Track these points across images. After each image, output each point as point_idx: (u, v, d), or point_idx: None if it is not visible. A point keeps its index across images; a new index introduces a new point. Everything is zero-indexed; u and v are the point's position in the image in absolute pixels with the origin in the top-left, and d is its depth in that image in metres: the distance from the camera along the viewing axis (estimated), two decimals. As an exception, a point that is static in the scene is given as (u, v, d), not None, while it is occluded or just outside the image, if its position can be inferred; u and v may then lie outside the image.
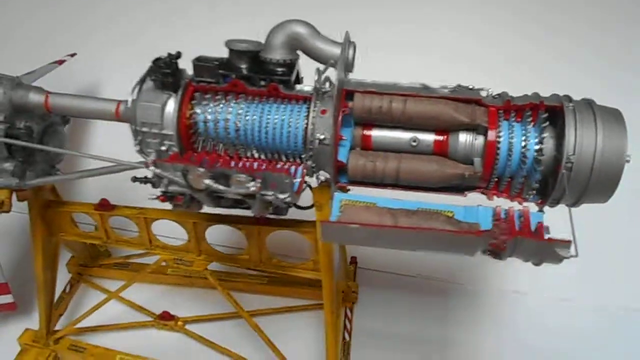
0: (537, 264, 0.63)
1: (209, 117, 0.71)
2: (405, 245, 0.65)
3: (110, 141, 0.90)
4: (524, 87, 0.72)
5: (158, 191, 0.72)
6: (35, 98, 0.77)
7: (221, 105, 0.71)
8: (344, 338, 1.08)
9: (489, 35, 1.33)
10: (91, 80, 1.32)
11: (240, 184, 0.64)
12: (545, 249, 0.59)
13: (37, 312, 1.04)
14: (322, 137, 0.67)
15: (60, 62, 1.15)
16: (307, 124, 0.69)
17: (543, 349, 1.10)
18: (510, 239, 0.59)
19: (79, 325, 1.06)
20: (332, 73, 0.71)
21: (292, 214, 0.79)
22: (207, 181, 0.64)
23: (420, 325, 1.14)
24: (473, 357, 1.11)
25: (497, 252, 0.61)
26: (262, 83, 0.71)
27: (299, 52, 0.72)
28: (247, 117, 0.70)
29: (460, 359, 1.11)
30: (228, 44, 0.72)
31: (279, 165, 0.72)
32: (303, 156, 0.71)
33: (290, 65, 0.71)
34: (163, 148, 0.72)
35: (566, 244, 0.58)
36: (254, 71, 0.71)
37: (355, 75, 0.73)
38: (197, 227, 0.91)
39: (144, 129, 0.71)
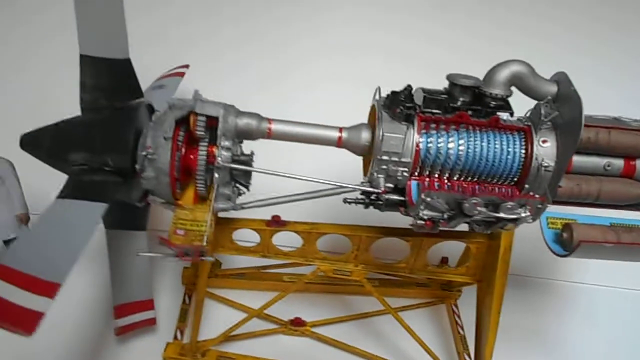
0: None
1: (432, 145, 0.78)
2: (632, 258, 0.77)
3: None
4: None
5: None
6: (258, 125, 0.80)
7: (445, 135, 0.79)
8: (458, 332, 1.19)
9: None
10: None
11: (510, 210, 0.72)
12: None
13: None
14: (546, 164, 0.77)
15: (181, 74, 1.14)
16: (526, 152, 0.78)
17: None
18: None
19: (210, 336, 1.08)
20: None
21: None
22: (481, 209, 0.71)
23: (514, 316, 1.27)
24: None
25: None
26: (483, 115, 0.79)
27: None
28: (470, 145, 0.78)
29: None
30: (451, 78, 0.79)
31: (496, 189, 0.80)
32: (515, 180, 0.80)
33: (507, 100, 0.80)
34: (398, 175, 0.78)
35: None
36: (474, 104, 0.79)
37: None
38: (365, 240, 0.97)
39: (384, 157, 0.77)
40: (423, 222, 0.76)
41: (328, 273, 1.01)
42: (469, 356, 1.14)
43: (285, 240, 1.01)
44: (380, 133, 0.76)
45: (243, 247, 1.01)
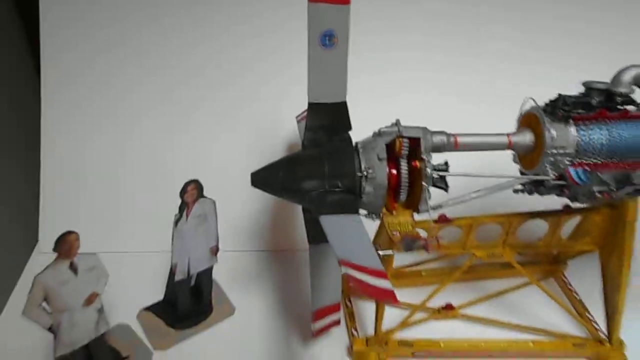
0: None
1: (589, 136, 1.00)
2: None
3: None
4: None
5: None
6: (448, 139, 1.01)
7: (595, 128, 1.01)
8: (575, 297, 1.40)
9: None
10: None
11: None
12: None
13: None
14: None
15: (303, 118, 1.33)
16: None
17: None
18: None
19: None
20: None
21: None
22: None
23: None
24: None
25: None
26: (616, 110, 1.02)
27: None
28: (618, 134, 1.01)
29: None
30: (587, 84, 1.02)
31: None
32: None
33: (630, 96, 1.03)
34: (562, 163, 1.00)
35: None
36: (606, 101, 1.02)
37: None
38: (514, 225, 1.18)
39: (554, 151, 0.99)
40: (601, 195, 0.97)
41: (483, 258, 1.21)
42: (591, 315, 1.34)
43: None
44: (552, 133, 0.98)
45: (413, 245, 1.20)
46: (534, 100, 1.03)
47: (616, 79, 1.03)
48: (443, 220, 1.16)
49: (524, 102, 1.05)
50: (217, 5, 1.57)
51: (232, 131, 1.57)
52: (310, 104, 0.97)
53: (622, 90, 1.02)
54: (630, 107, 1.03)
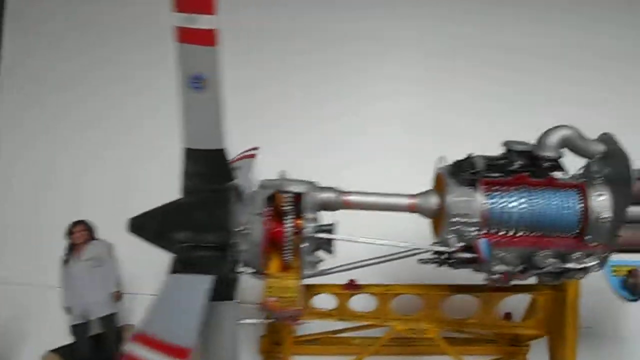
0: None
1: (500, 205, 0.87)
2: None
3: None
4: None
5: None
6: (337, 197, 0.90)
7: (508, 195, 0.87)
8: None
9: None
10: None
11: (578, 260, 0.79)
12: None
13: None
14: (603, 216, 0.84)
15: (252, 156, 1.26)
16: (584, 206, 0.86)
17: None
18: None
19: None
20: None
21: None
22: (552, 260, 0.79)
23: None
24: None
25: None
26: (538, 175, 0.88)
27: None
28: (531, 203, 0.86)
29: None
30: (508, 144, 0.89)
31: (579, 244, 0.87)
32: (576, 232, 0.87)
33: (559, 161, 0.89)
34: (467, 233, 0.86)
35: None
36: (530, 166, 0.88)
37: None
38: (435, 298, 1.04)
39: (455, 219, 0.85)
40: (499, 276, 0.83)
41: (403, 332, 1.07)
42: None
43: (357, 304, 1.09)
44: (450, 198, 0.85)
45: (322, 311, 1.08)
46: (446, 159, 0.91)
47: (541, 141, 0.89)
48: (352, 286, 1.05)
49: (438, 159, 0.92)
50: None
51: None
52: (186, 149, 0.90)
53: (548, 154, 0.88)
54: (557, 174, 0.89)
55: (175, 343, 0.70)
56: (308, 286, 1.06)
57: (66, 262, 1.08)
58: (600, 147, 0.88)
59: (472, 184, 0.87)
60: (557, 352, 1.05)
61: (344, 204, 0.91)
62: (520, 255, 0.82)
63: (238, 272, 0.94)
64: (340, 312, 1.07)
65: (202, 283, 0.83)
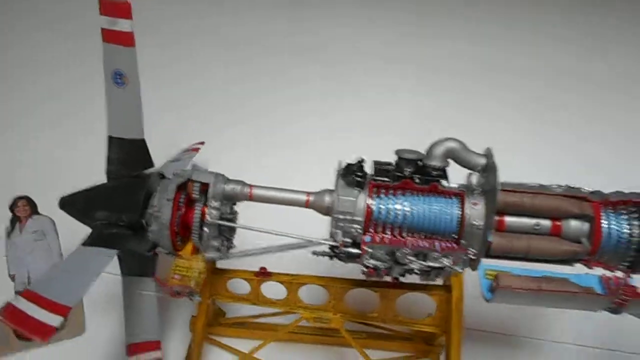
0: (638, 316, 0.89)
1: (383, 207, 0.95)
2: (551, 304, 0.89)
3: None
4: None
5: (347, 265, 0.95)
6: (242, 189, 0.99)
7: (394, 198, 0.95)
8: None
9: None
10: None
11: (436, 259, 0.87)
12: (652, 306, 0.85)
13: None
14: (477, 223, 0.92)
15: (196, 149, 1.37)
16: (461, 213, 0.94)
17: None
18: (634, 298, 0.84)
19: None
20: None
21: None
22: (411, 257, 0.87)
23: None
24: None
25: (617, 309, 0.87)
26: (423, 182, 0.96)
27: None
28: (414, 207, 0.94)
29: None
30: (398, 152, 0.97)
31: (437, 244, 0.95)
32: (454, 237, 0.95)
33: (444, 170, 0.97)
34: (352, 231, 0.95)
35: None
36: (418, 173, 0.96)
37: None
38: (339, 291, 1.12)
39: (340, 216, 0.94)
40: (367, 270, 0.91)
41: (310, 321, 1.15)
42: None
43: (279, 292, 1.18)
44: (335, 196, 0.94)
45: (237, 295, 1.18)
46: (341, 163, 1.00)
47: (430, 151, 0.97)
48: (262, 273, 1.14)
49: (339, 162, 1.01)
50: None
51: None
52: (109, 138, 1.00)
53: (434, 163, 0.96)
54: (444, 182, 0.97)
55: (57, 301, 0.80)
56: (224, 271, 1.17)
57: (9, 233, 1.19)
58: (482, 160, 0.96)
59: (359, 185, 0.95)
60: (448, 351, 1.12)
61: (248, 197, 1.00)
62: (387, 251, 0.90)
63: (152, 251, 1.04)
64: (253, 298, 1.16)
65: (104, 255, 0.93)
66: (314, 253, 1.01)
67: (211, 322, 1.34)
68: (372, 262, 0.91)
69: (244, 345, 1.33)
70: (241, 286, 1.18)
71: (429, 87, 1.85)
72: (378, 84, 1.91)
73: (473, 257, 0.93)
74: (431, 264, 0.88)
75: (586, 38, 2.03)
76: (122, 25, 0.91)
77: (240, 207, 1.05)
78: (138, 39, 0.92)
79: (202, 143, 1.41)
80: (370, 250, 0.90)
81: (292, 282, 1.13)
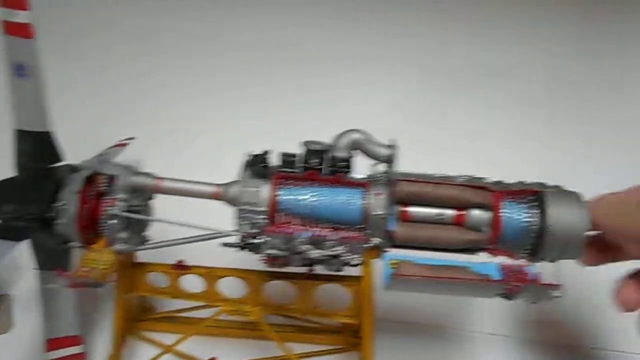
0: (534, 302, 0.90)
1: (290, 197, 0.96)
2: (445, 292, 0.91)
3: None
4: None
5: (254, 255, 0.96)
6: (150, 182, 1.00)
7: (299, 189, 0.96)
8: (364, 375, 1.30)
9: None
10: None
11: (330, 248, 0.88)
12: (542, 291, 0.87)
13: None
14: (379, 212, 0.93)
15: (123, 144, 1.36)
16: (365, 203, 0.95)
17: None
18: (524, 284, 0.86)
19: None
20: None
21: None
22: (307, 246, 0.88)
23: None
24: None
25: (509, 295, 0.89)
26: (329, 172, 0.97)
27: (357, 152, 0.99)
28: (319, 198, 0.95)
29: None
30: (305, 144, 0.98)
31: (344, 234, 0.97)
32: (359, 226, 0.96)
33: (350, 161, 0.98)
34: (257, 221, 0.95)
35: (557, 287, 0.86)
36: (324, 164, 0.98)
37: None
38: (257, 282, 1.13)
39: (245, 207, 0.95)
40: (264, 259, 0.92)
41: (229, 314, 1.16)
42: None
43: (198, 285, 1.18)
44: (240, 188, 0.95)
45: (157, 288, 1.18)
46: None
47: (335, 142, 0.98)
48: (180, 266, 1.14)
49: (245, 154, 1.02)
50: None
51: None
52: (16, 131, 1.00)
53: (340, 154, 0.97)
54: (352, 173, 0.98)
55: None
56: (143, 264, 1.16)
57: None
58: (386, 151, 0.97)
59: (265, 176, 0.96)
60: (362, 342, 1.13)
61: (156, 189, 1.00)
62: (284, 241, 0.91)
63: (63, 244, 1.03)
64: (173, 291, 1.17)
65: (7, 247, 0.93)
66: (224, 244, 1.02)
67: (139, 317, 1.34)
68: (272, 250, 0.92)
69: (173, 339, 1.33)
70: (163, 280, 1.18)
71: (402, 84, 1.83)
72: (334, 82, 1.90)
73: (377, 247, 0.95)
74: (327, 252, 0.89)
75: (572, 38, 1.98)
76: (21, 17, 0.91)
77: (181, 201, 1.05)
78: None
79: (132, 138, 1.41)
80: (267, 239, 0.91)
81: (210, 274, 1.13)
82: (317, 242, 0.90)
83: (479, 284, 0.88)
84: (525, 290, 0.88)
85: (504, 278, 0.89)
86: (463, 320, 1.45)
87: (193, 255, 1.15)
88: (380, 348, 1.38)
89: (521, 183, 0.98)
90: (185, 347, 1.29)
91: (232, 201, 0.99)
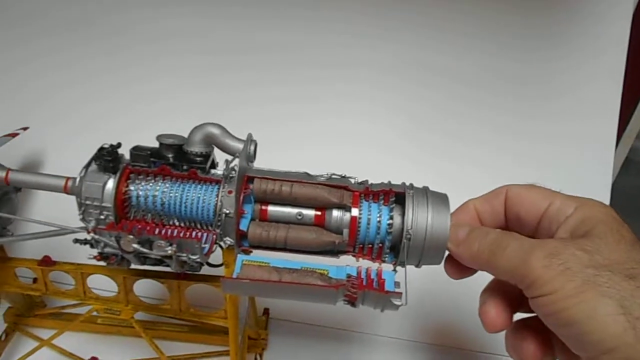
0: (381, 310, 0.86)
1: (141, 193, 0.91)
2: (285, 296, 0.86)
3: (56, 208, 1.06)
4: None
5: (95, 251, 0.91)
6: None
7: (151, 184, 0.92)
8: (254, 380, 1.26)
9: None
10: (36, 151, 1.50)
11: (160, 248, 0.84)
12: (384, 299, 0.82)
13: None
14: (227, 211, 0.89)
15: (14, 134, 1.32)
16: (217, 201, 0.91)
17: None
18: (359, 291, 0.81)
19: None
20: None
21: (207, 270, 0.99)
22: (135, 245, 0.83)
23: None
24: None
25: (351, 302, 0.84)
26: (184, 168, 0.92)
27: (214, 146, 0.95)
28: (171, 194, 0.91)
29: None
30: (159, 138, 0.93)
31: (195, 233, 0.92)
32: (213, 225, 0.92)
33: (206, 156, 0.93)
34: (102, 217, 0.91)
35: (398, 295, 0.81)
36: (178, 159, 0.93)
37: (261, 165, 0.96)
38: (126, 281, 1.08)
39: (87, 202, 0.90)
40: (94, 256, 0.87)
41: (100, 312, 1.12)
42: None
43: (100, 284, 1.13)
44: (82, 182, 0.90)
45: (25, 284, 1.13)
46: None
47: (189, 136, 0.94)
48: (46, 262, 1.09)
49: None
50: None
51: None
52: None
53: (195, 149, 0.93)
54: (213, 170, 0.94)
55: None
56: (9, 259, 1.12)
57: None
58: (240, 146, 0.93)
59: (111, 170, 0.91)
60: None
61: (5, 181, 0.96)
62: (115, 238, 0.86)
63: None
64: (42, 288, 1.12)
65: None
66: (75, 241, 0.97)
67: (26, 313, 1.30)
68: (106, 249, 0.87)
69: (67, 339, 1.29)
70: (34, 276, 1.14)
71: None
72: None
73: (232, 247, 0.90)
74: (157, 252, 0.85)
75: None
76: None
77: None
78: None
79: (26, 128, 1.36)
80: (97, 236, 0.86)
81: (77, 271, 1.08)
82: (146, 242, 0.85)
83: (319, 290, 0.83)
84: (365, 297, 0.83)
85: (344, 284, 0.85)
86: (361, 322, 1.41)
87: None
88: (275, 349, 1.35)
89: (384, 184, 0.93)
90: (69, 345, 1.25)
91: (78, 195, 0.95)
